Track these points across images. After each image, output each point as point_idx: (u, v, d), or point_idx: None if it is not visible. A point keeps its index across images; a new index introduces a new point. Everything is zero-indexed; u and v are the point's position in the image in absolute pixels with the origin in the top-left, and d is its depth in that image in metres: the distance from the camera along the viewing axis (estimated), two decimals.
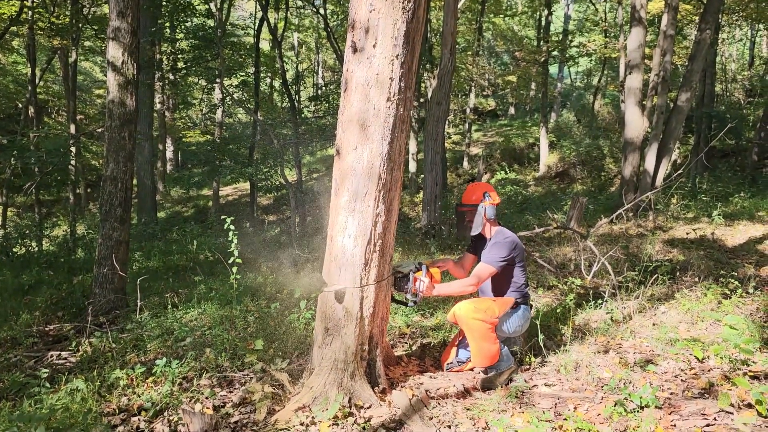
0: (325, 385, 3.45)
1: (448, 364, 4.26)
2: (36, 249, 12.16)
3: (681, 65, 21.13)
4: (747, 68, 28.42)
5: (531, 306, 4.39)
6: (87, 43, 23.98)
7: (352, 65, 3.23)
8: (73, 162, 17.13)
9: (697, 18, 19.41)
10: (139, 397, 3.83)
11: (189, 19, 19.96)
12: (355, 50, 3.20)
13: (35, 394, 3.86)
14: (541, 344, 4.40)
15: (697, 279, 6.35)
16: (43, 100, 27.71)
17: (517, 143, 26.70)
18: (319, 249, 10.45)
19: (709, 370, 3.90)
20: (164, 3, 17.68)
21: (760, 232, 8.65)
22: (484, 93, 36.18)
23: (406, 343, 4.88)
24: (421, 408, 3.50)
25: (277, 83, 31.50)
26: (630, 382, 3.77)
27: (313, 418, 3.31)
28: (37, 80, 20.48)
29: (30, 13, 16.68)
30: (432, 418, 3.42)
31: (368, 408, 3.44)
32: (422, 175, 15.92)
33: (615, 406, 3.34)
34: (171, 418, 3.53)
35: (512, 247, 4.08)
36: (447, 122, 23.18)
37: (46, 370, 4.10)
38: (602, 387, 3.77)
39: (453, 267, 4.42)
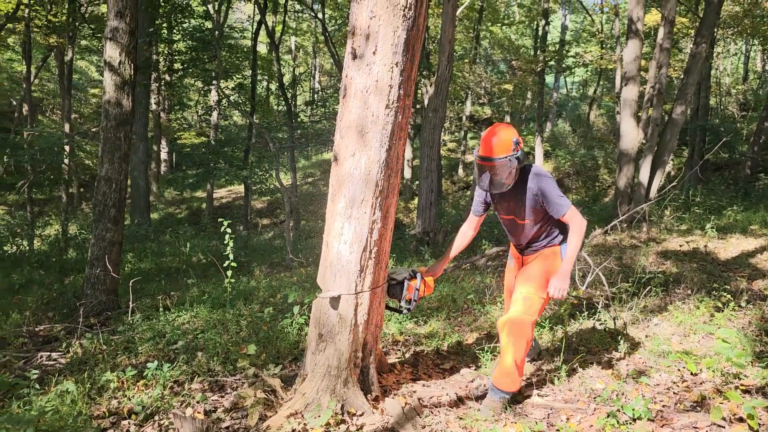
0: (317, 392, 3.44)
1: None
2: (27, 248, 12.10)
3: (676, 78, 21.25)
4: (741, 82, 28.61)
5: None
6: (83, 42, 23.92)
7: (351, 71, 3.23)
8: (66, 161, 17.07)
9: (692, 31, 19.54)
10: (130, 400, 3.80)
11: (187, 21, 19.96)
12: (354, 57, 3.20)
13: (24, 395, 3.82)
14: (535, 354, 4.39)
15: (689, 291, 6.37)
16: (38, 98, 27.67)
17: None
18: (313, 254, 10.44)
19: (701, 383, 3.90)
20: (162, 3, 17.67)
21: (753, 246, 8.69)
22: (480, 101, 36.25)
23: (399, 350, 4.87)
24: (413, 416, 3.48)
25: (273, 86, 31.51)
26: (622, 394, 3.76)
27: (305, 424, 3.29)
28: (32, 78, 20.42)
29: (27, 10, 16.64)
30: (425, 427, 3.41)
31: (361, 415, 3.43)
32: (417, 182, 15.93)
33: (607, 417, 3.34)
34: (161, 422, 3.51)
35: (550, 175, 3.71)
36: (443, 129, 23.23)
37: (36, 372, 4.06)
38: (595, 398, 3.77)
39: (462, 244, 4.08)
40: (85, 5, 17.86)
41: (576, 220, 3.56)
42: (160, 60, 21.21)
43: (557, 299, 3.66)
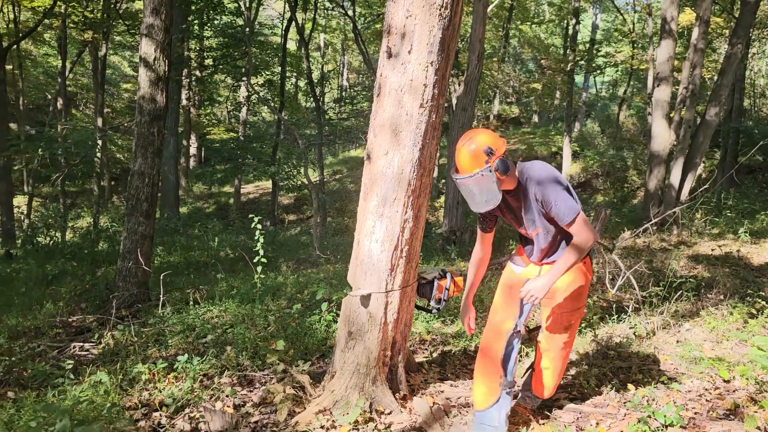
0: (346, 389, 3.45)
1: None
2: (60, 239, 12.33)
3: (709, 79, 20.84)
4: None
5: None
6: (117, 38, 24.31)
7: (386, 70, 3.23)
8: (98, 155, 17.37)
9: (727, 32, 19.16)
10: (161, 392, 3.86)
11: (218, 17, 20.16)
12: (389, 55, 3.20)
13: (59, 384, 3.91)
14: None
15: (722, 297, 6.26)
16: (72, 93, 28.20)
17: (539, 151, 26.53)
18: (339, 250, 10.48)
19: (734, 391, 3.83)
20: (194, 0, 17.87)
21: None
22: (508, 100, 36.02)
23: (426, 349, 4.87)
24: (441, 416, 3.48)
25: (302, 83, 31.68)
26: (653, 400, 3.72)
27: (333, 421, 3.31)
28: (66, 73, 20.82)
29: (63, 6, 16.97)
30: (452, 427, 3.40)
31: (389, 414, 3.44)
32: (443, 180, 15.88)
33: (638, 423, 3.30)
34: (192, 414, 3.55)
35: (556, 172, 3.11)
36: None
37: (70, 362, 4.15)
38: (625, 403, 3.73)
39: (480, 273, 3.61)
40: (120, 2, 18.14)
41: (583, 233, 2.97)
42: (192, 56, 21.45)
43: (525, 302, 3.12)
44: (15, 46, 18.53)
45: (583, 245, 2.97)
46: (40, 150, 15.18)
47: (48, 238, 11.90)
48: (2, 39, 15.58)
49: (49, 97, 26.81)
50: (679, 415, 3.31)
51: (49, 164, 19.20)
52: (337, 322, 4.81)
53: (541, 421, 3.50)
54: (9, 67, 20.25)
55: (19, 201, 20.58)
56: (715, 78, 12.75)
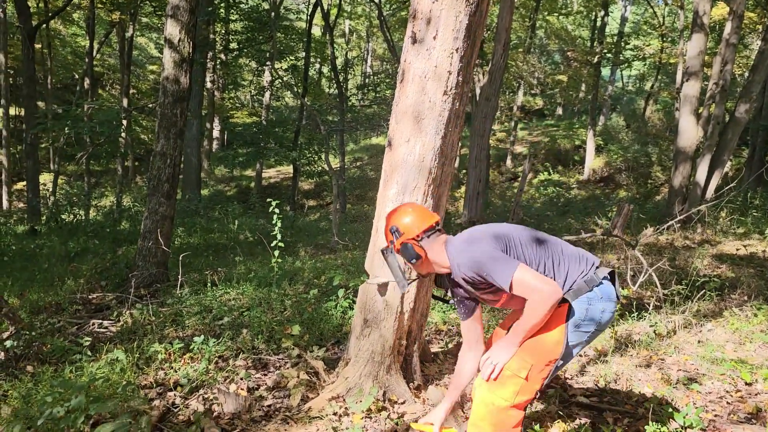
0: (360, 377, 3.44)
1: None
2: (83, 217, 12.47)
3: (739, 75, 20.39)
4: None
5: (600, 283, 2.52)
6: (144, 20, 24.44)
7: (410, 56, 3.18)
8: (123, 135, 17.52)
9: (760, 27, 18.72)
10: (176, 372, 3.89)
11: (244, 1, 20.14)
12: (414, 41, 3.15)
13: (77, 360, 3.95)
14: (581, 352, 4.29)
15: (746, 298, 6.13)
16: (99, 73, 28.44)
17: (562, 144, 26.25)
18: (358, 237, 10.46)
19: (756, 395, 3.75)
20: None
21: None
22: (533, 91, 35.63)
23: (441, 339, 4.83)
24: (455, 408, 3.45)
25: (326, 69, 31.62)
26: (672, 400, 3.65)
27: (346, 408, 3.30)
28: (94, 53, 20.97)
29: None
30: (466, 419, 3.37)
31: (402, 404, 3.42)
32: (464, 171, 15.80)
33: (656, 423, 3.23)
34: (206, 396, 3.56)
35: (477, 237, 2.60)
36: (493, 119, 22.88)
37: (88, 339, 4.19)
38: (643, 403, 3.66)
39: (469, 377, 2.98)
40: None
41: (527, 294, 2.40)
42: (217, 39, 21.50)
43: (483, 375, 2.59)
44: (44, 26, 18.71)
45: (536, 306, 2.38)
46: (66, 129, 15.32)
47: (72, 216, 12.04)
48: (32, 18, 15.71)
49: (77, 76, 27.06)
50: (699, 417, 3.24)
51: (75, 143, 19.40)
52: (353, 309, 4.80)
53: (556, 419, 3.46)
54: (38, 46, 20.50)
55: (45, 178, 20.88)
56: (746, 74, 12.46)
